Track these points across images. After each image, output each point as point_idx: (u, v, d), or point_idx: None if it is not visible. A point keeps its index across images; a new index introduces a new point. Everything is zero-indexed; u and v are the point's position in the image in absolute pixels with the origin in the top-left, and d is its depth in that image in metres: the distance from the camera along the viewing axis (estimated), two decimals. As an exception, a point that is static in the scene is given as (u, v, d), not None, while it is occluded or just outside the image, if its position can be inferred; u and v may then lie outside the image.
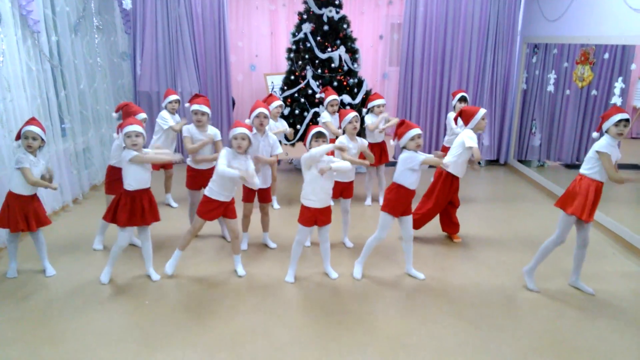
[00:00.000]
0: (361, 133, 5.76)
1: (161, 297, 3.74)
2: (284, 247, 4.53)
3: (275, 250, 4.57)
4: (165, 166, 5.58)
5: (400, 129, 3.81)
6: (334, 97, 5.54)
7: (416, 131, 3.75)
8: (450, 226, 4.84)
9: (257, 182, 3.82)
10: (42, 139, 3.80)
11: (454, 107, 5.72)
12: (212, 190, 3.87)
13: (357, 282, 4.02)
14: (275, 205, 5.73)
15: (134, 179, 3.71)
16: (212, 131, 4.50)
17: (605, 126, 3.56)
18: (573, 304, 3.73)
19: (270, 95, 5.50)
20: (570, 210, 3.63)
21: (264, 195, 4.53)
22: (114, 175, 4.28)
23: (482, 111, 4.34)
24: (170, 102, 5.32)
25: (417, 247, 4.47)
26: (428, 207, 4.66)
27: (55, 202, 5.33)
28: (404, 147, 3.82)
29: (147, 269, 4.03)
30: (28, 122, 3.79)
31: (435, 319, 3.51)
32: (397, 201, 3.86)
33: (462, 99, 5.64)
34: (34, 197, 3.87)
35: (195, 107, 4.42)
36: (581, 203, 3.59)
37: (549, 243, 3.80)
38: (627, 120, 3.48)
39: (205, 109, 4.44)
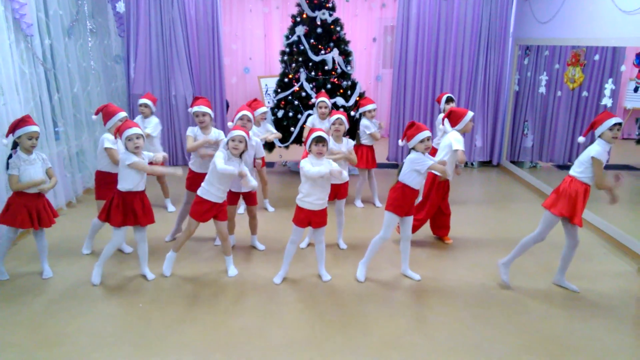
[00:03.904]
0: (354, 136, 5.79)
1: (155, 299, 3.75)
2: (278, 249, 4.53)
3: (270, 252, 4.58)
4: (159, 178, 5.55)
5: (410, 130, 3.79)
6: (321, 99, 5.44)
7: (426, 134, 3.74)
8: (441, 229, 4.87)
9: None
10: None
11: (443, 109, 5.68)
12: (206, 190, 3.89)
13: (351, 282, 4.03)
14: (270, 208, 5.74)
15: (129, 182, 3.73)
16: (216, 132, 4.49)
17: (599, 131, 3.59)
18: (565, 303, 3.77)
19: (255, 100, 5.41)
20: (557, 211, 3.66)
21: (250, 199, 4.54)
22: (102, 180, 4.31)
23: (470, 114, 4.38)
24: (140, 106, 5.41)
25: (411, 249, 4.48)
26: (423, 212, 4.69)
27: (49, 205, 5.32)
28: (413, 149, 3.82)
29: (143, 269, 4.05)
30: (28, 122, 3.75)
31: (429, 319, 3.54)
32: (402, 200, 3.87)
33: (450, 100, 5.61)
34: (40, 196, 3.83)
35: (195, 108, 4.40)
36: (572, 206, 3.63)
37: (529, 239, 3.85)
38: (620, 124, 3.53)
39: (206, 109, 4.41)
